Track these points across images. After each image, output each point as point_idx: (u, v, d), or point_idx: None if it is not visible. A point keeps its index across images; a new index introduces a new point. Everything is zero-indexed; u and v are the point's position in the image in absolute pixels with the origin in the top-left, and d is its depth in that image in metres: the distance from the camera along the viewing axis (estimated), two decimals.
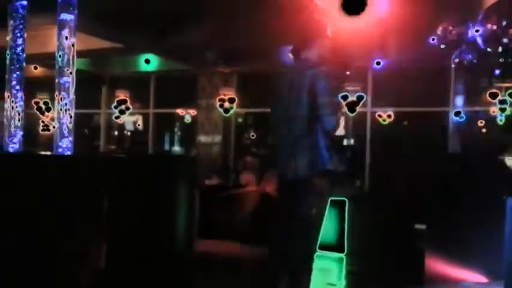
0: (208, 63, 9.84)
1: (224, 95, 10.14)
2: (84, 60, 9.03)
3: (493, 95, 8.76)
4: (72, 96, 4.49)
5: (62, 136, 4.05)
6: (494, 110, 8.95)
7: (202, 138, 10.85)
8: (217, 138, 10.73)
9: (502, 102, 8.67)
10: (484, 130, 9.94)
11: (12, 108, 4.38)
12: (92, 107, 12.22)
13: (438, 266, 5.06)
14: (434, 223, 5.19)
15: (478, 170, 5.11)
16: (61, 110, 4.39)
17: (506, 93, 8.65)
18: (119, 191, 3.21)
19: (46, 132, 11.38)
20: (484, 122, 9.88)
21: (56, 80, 4.49)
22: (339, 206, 6.52)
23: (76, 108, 4.61)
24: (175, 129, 12.74)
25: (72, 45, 4.48)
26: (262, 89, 11.12)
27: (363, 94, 9.57)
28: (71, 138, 4.20)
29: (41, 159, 3.68)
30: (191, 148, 11.43)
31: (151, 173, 3.45)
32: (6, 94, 4.41)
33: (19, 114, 4.40)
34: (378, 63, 9.08)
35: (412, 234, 6.43)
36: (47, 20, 6.79)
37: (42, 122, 11.80)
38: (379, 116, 10.12)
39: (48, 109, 11.38)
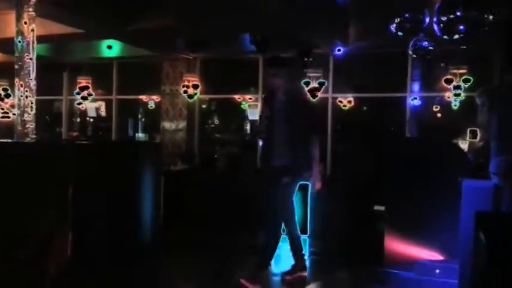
0: (174, 49, 9.78)
1: (188, 81, 10.10)
2: (44, 45, 8.84)
3: (448, 81, 9.04)
4: (32, 82, 4.44)
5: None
6: (449, 95, 9.24)
7: (167, 124, 10.81)
8: (182, 124, 10.71)
9: (457, 87, 8.96)
10: (439, 115, 10.26)
11: None
12: (53, 94, 11.98)
13: (397, 245, 5.25)
14: (393, 204, 5.35)
15: (434, 153, 5.31)
16: (21, 96, 4.35)
17: (461, 79, 8.94)
18: (84, 178, 3.22)
19: (6, 119, 11.13)
20: (439, 107, 10.19)
21: (16, 66, 4.44)
22: (302, 190, 6.66)
23: (37, 94, 4.55)
24: (139, 116, 12.63)
25: (32, 30, 4.43)
26: (226, 75, 11.17)
27: (324, 80, 9.73)
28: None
29: (2, 146, 3.65)
30: (155, 134, 11.37)
31: (115, 159, 3.45)
32: None
33: None
34: (339, 50, 9.22)
35: (371, 216, 6.64)
36: (5, 5, 6.65)
37: (2, 108, 11.52)
38: (340, 101, 10.31)
39: (8, 96, 11.10)
